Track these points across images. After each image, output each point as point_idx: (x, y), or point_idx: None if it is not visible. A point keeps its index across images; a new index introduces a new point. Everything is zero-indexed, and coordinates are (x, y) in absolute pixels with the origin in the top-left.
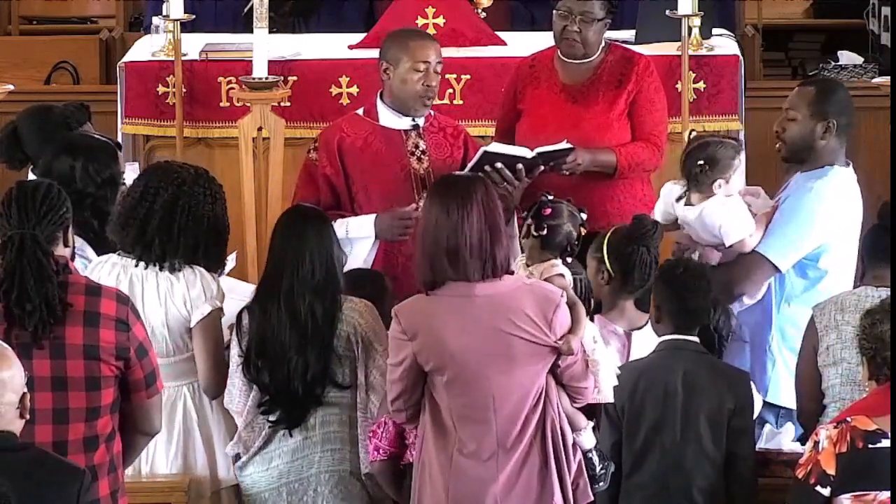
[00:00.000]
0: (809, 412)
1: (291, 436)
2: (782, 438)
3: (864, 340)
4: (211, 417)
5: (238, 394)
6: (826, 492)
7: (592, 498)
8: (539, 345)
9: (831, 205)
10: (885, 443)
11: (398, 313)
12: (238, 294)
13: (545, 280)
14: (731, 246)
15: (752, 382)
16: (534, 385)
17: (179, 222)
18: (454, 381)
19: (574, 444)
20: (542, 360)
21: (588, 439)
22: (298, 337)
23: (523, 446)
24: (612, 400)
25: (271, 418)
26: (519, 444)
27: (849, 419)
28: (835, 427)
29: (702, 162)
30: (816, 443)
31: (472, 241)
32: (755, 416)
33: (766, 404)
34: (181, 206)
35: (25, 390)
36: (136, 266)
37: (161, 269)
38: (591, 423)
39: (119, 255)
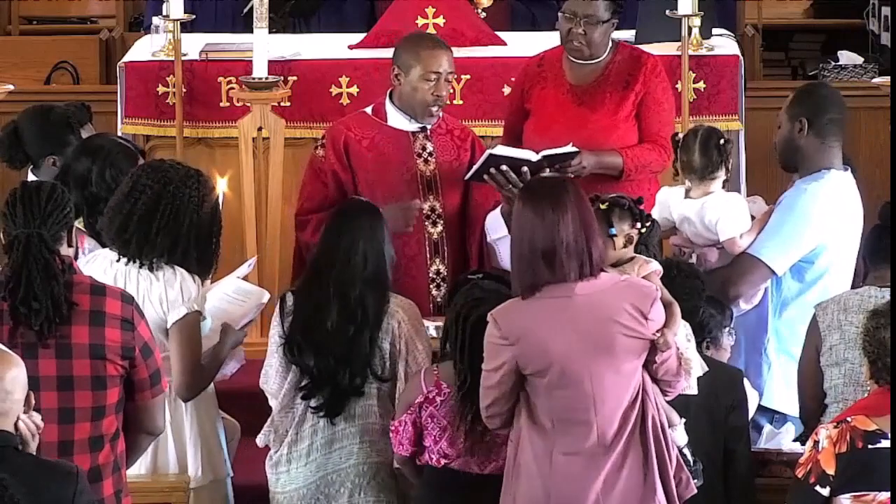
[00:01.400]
0: (811, 411)
1: (333, 424)
2: (782, 438)
3: (867, 343)
4: (184, 418)
5: (274, 374)
6: (825, 492)
7: (696, 492)
8: (639, 339)
9: (826, 206)
10: (885, 443)
11: (496, 317)
12: (237, 295)
13: (643, 277)
14: (722, 244)
15: (746, 380)
16: (632, 382)
17: (159, 223)
18: (556, 383)
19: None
20: (640, 356)
21: (681, 436)
22: (347, 325)
23: (623, 443)
24: (696, 392)
25: (312, 403)
26: (619, 441)
27: (849, 419)
28: (835, 427)
29: (723, 140)
30: (816, 442)
31: (568, 241)
32: (752, 413)
33: (760, 408)
34: (162, 207)
35: (29, 391)
36: (118, 261)
37: (142, 267)
38: (684, 420)
39: (111, 249)
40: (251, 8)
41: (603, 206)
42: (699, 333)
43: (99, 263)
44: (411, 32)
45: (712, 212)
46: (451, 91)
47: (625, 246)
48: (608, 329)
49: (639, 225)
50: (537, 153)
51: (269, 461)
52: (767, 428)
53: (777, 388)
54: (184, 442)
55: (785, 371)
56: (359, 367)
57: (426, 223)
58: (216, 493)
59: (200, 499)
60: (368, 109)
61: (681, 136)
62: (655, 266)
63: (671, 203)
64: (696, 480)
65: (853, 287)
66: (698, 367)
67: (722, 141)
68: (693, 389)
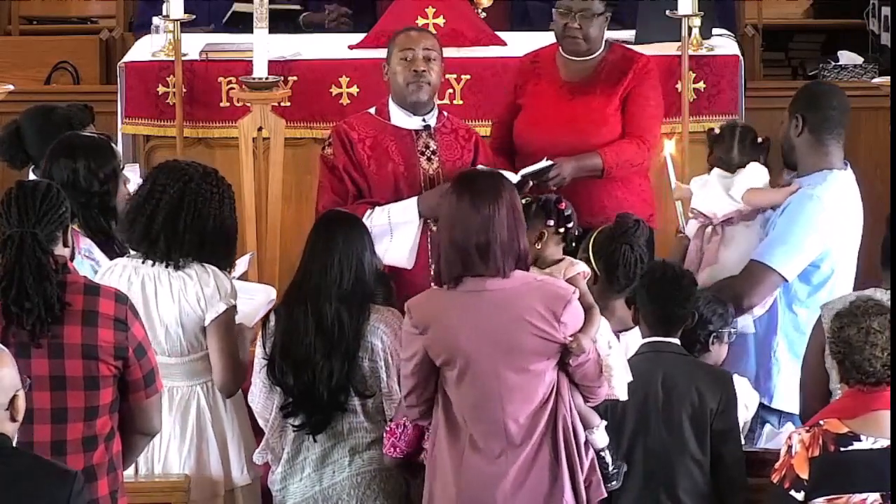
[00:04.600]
0: (812, 410)
1: (316, 441)
2: (782, 438)
3: (833, 344)
4: (224, 417)
5: (259, 394)
6: (800, 496)
7: (606, 495)
8: (548, 341)
9: (833, 210)
10: (857, 445)
11: (410, 307)
12: (244, 293)
13: (568, 279)
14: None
15: (748, 382)
16: (542, 382)
17: (185, 219)
18: (463, 376)
19: (586, 441)
20: (552, 357)
21: (601, 438)
22: (324, 342)
23: (533, 443)
24: (626, 398)
25: (295, 423)
26: (528, 440)
27: (821, 423)
28: (807, 431)
29: (761, 140)
30: (790, 447)
31: (502, 236)
32: (752, 414)
33: (770, 409)
34: (187, 204)
35: (19, 392)
36: (144, 264)
37: (168, 266)
38: (604, 422)
39: (128, 257)
40: (233, 14)
41: (543, 196)
42: (703, 329)
43: (119, 272)
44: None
45: (747, 175)
46: (451, 91)
47: (536, 242)
48: (516, 327)
49: (551, 223)
50: (516, 173)
51: (269, 478)
52: (767, 428)
53: (787, 390)
54: (226, 442)
55: (795, 373)
56: (339, 386)
57: (429, 222)
58: (255, 492)
59: (245, 498)
60: (372, 110)
61: (716, 130)
62: (582, 267)
63: (699, 183)
64: (615, 482)
65: (856, 284)
66: (624, 373)
67: (759, 140)
68: (623, 395)
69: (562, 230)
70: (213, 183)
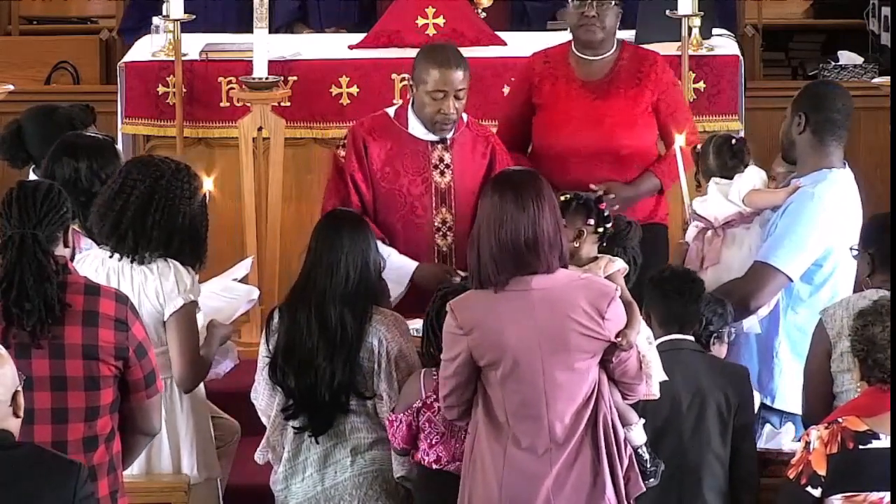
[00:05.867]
0: (818, 412)
1: (318, 443)
2: (782, 438)
3: (856, 342)
4: (179, 414)
5: (262, 391)
6: (817, 492)
7: (644, 490)
8: (594, 338)
9: (835, 209)
10: (876, 443)
11: (454, 308)
12: (226, 292)
13: (607, 276)
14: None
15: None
16: (586, 380)
17: (153, 216)
18: (509, 376)
19: (625, 438)
20: (596, 355)
21: (639, 435)
22: (327, 344)
23: (576, 441)
24: (658, 396)
25: (296, 424)
26: (571, 438)
27: (840, 420)
28: (826, 428)
29: (735, 142)
30: (808, 443)
31: (549, 232)
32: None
33: (772, 409)
34: (157, 201)
35: (19, 389)
36: (111, 258)
37: (134, 261)
38: (643, 420)
39: (101, 247)
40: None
41: (584, 195)
42: (704, 330)
43: (90, 263)
44: (433, 43)
45: (744, 179)
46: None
47: (574, 240)
48: (562, 325)
49: (591, 222)
50: None
51: (272, 478)
52: (768, 428)
53: (789, 390)
54: (178, 440)
55: (797, 373)
56: (340, 388)
57: (436, 236)
58: (210, 492)
59: (196, 497)
60: (391, 111)
61: (699, 147)
62: (620, 264)
63: (700, 201)
64: (653, 480)
65: (855, 284)
66: (659, 371)
67: (733, 142)
68: (656, 393)
69: (600, 230)
70: (185, 180)
